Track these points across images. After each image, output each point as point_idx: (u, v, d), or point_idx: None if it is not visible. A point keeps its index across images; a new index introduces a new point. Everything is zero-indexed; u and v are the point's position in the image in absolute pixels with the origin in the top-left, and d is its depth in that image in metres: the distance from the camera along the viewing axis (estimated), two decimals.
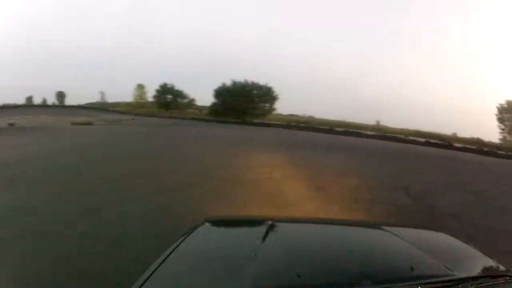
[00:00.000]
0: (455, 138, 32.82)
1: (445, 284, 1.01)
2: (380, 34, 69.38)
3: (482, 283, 1.04)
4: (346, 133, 27.28)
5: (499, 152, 29.15)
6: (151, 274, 0.99)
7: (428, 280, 1.01)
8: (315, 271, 1.07)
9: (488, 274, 1.20)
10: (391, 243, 1.38)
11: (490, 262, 1.31)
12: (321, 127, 29.47)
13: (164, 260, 1.07)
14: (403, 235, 1.41)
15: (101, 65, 57.63)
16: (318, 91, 59.66)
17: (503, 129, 35.47)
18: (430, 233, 1.76)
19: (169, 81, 41.04)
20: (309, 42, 68.52)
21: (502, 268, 1.24)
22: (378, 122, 38.82)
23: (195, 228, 1.36)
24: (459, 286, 0.99)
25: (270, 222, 1.44)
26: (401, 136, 28.85)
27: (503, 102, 35.58)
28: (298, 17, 68.25)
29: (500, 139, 34.85)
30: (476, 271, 1.22)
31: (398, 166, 11.02)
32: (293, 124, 30.88)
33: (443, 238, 1.62)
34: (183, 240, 1.24)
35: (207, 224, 1.47)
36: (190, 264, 1.12)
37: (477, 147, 28.04)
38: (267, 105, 36.14)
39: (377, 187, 7.01)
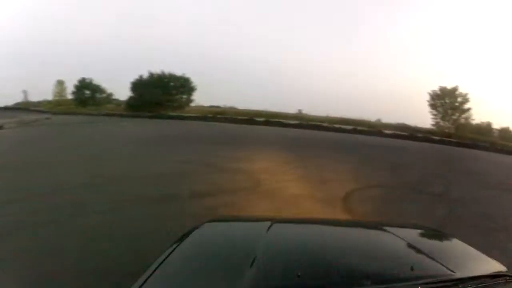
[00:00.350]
0: (380, 124, 33.28)
1: (445, 284, 1.01)
2: (302, 22, 66.31)
3: (482, 283, 1.05)
4: (265, 123, 26.70)
5: (434, 137, 29.98)
6: (151, 274, 0.99)
7: (428, 280, 1.00)
8: (315, 271, 1.07)
9: (488, 274, 1.16)
10: (391, 243, 1.39)
11: (490, 262, 1.30)
12: (239, 117, 28.32)
13: (164, 260, 1.08)
14: (403, 235, 1.41)
15: (23, 62, 50.96)
16: (242, 81, 57.62)
17: (435, 115, 35.55)
18: (430, 233, 1.77)
19: (94, 74, 37.82)
20: (233, 32, 65.65)
21: (502, 268, 1.24)
22: (300, 110, 38.01)
23: (195, 228, 1.37)
24: (459, 286, 1.00)
25: (270, 222, 1.44)
26: (324, 124, 28.56)
27: (435, 88, 35.76)
28: (219, 6, 65.15)
29: (433, 125, 35.41)
30: (476, 271, 1.18)
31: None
32: (209, 116, 29.33)
33: (443, 238, 1.66)
34: (183, 240, 1.25)
35: (207, 224, 1.49)
36: (190, 264, 1.13)
37: (409, 133, 28.92)
38: (184, 96, 34.12)
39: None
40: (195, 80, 33.84)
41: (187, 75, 33.44)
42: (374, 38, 60.67)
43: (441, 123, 34.92)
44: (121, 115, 29.55)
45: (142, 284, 0.94)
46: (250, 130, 21.20)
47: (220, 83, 51.13)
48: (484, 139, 32.03)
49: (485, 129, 35.04)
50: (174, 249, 1.16)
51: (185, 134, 16.21)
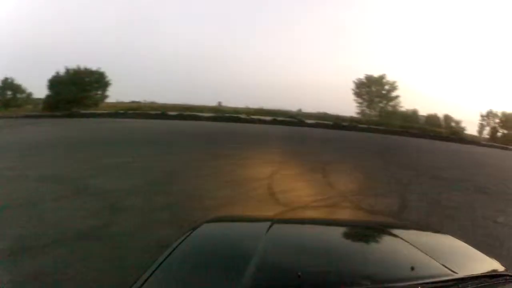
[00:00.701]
0: (300, 114, 33.35)
1: (445, 284, 1.01)
2: (222, 13, 65.13)
3: (482, 283, 1.05)
4: (179, 117, 26.44)
5: (360, 125, 30.88)
6: (151, 274, 0.99)
7: (428, 280, 1.00)
8: (315, 271, 1.07)
9: (488, 274, 1.17)
10: (391, 243, 1.40)
11: (490, 262, 1.30)
12: (153, 112, 27.64)
13: (164, 260, 1.08)
14: (403, 235, 1.41)
15: None
16: (163, 75, 56.49)
17: (360, 103, 36.53)
18: (430, 233, 1.78)
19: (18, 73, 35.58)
20: (153, 25, 63.41)
21: (502, 268, 1.24)
22: (220, 103, 37.81)
23: (195, 228, 1.37)
24: (459, 286, 1.00)
25: (270, 222, 1.44)
26: (243, 116, 28.37)
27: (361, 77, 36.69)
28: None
29: (358, 113, 36.38)
30: (476, 271, 1.17)
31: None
32: (121, 112, 28.24)
33: (443, 238, 1.64)
34: (183, 240, 1.24)
35: (207, 224, 1.49)
36: (190, 264, 1.13)
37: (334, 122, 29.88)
38: (99, 92, 32.34)
39: None
40: (115, 74, 32.75)
41: (109, 69, 32.56)
42: (297, 28, 61.00)
43: (367, 111, 35.84)
44: (38, 116, 26.64)
45: (142, 284, 0.94)
46: (149, 125, 20.31)
47: (144, 77, 49.81)
48: (410, 125, 32.88)
49: (412, 116, 35.96)
50: (174, 249, 1.16)
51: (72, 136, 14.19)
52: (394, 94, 35.44)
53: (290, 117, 29.32)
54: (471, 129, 38.83)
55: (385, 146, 17.34)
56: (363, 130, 28.16)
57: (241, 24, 63.89)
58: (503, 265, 1.26)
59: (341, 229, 1.71)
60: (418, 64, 61.34)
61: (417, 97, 57.51)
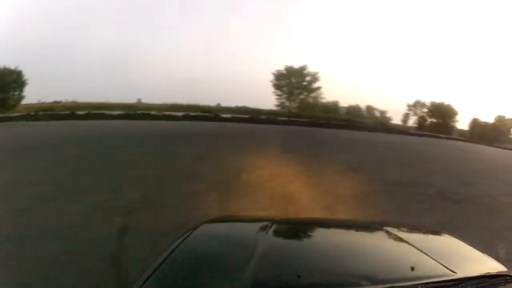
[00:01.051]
0: (218, 108, 32.58)
1: (445, 284, 1.01)
2: (139, 8, 59.03)
3: (482, 283, 1.04)
4: (85, 117, 24.91)
5: (280, 118, 29.96)
6: (151, 274, 0.99)
7: (428, 280, 1.00)
8: (315, 271, 1.07)
9: (488, 274, 1.15)
10: (391, 243, 1.40)
11: (490, 262, 1.29)
12: (62, 113, 26.42)
13: (164, 260, 1.08)
14: (403, 235, 1.42)
15: None
16: (87, 74, 53.52)
17: (280, 95, 35.47)
18: (430, 233, 1.76)
19: None
20: (76, 22, 59.48)
21: (502, 268, 1.23)
22: (139, 100, 35.90)
23: (195, 228, 1.37)
24: (459, 286, 1.00)
25: (270, 222, 1.43)
26: (154, 112, 27.25)
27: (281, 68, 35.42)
28: None
29: (277, 106, 35.39)
30: (476, 271, 1.17)
31: None
32: (32, 114, 26.21)
33: (443, 238, 1.63)
34: (183, 240, 1.24)
35: (207, 224, 1.49)
36: (190, 264, 1.12)
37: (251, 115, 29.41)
38: (16, 93, 30.63)
39: None
40: (35, 75, 30.53)
41: (31, 69, 30.37)
42: (218, 21, 58.24)
43: (287, 103, 34.81)
44: None
45: (142, 284, 0.94)
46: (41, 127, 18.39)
47: (68, 77, 46.61)
48: (332, 116, 33.95)
49: (333, 107, 36.44)
50: (174, 249, 1.16)
51: None
52: (315, 85, 34.56)
53: (204, 112, 28.18)
54: (398, 119, 38.95)
55: (303, 139, 16.68)
56: (282, 123, 27.41)
57: (162, 19, 60.49)
58: (503, 265, 1.25)
59: (341, 229, 1.72)
60: (344, 55, 60.78)
61: (341, 88, 57.45)
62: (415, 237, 1.53)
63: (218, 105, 34.09)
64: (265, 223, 1.45)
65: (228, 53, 59.22)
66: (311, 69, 35.11)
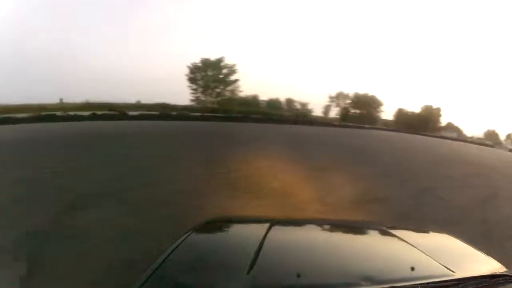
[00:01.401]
0: (138, 105, 30.11)
1: (445, 284, 1.01)
2: (63, 11, 54.38)
3: (482, 283, 1.05)
4: None
5: (193, 114, 28.03)
6: (151, 274, 0.99)
7: (428, 280, 1.00)
8: (315, 271, 1.07)
9: (488, 274, 1.17)
10: (391, 243, 1.40)
11: (490, 262, 1.30)
12: None
13: (164, 260, 1.08)
14: (403, 235, 1.42)
15: None
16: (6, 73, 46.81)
17: (195, 89, 33.56)
18: (430, 233, 1.77)
19: None
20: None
21: (502, 268, 1.24)
22: (61, 100, 32.08)
23: (195, 228, 1.37)
24: (459, 286, 1.00)
25: (270, 222, 1.43)
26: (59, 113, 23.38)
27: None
28: None
29: (192, 100, 33.42)
30: (476, 271, 1.18)
31: None
32: None
33: (443, 238, 1.63)
34: (183, 240, 1.24)
35: (207, 224, 1.49)
36: (190, 264, 1.12)
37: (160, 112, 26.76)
38: None
39: None
40: None
41: None
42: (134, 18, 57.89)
43: (202, 97, 33.12)
44: None
45: (142, 284, 0.94)
46: None
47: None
48: (251, 110, 32.14)
49: (252, 101, 35.53)
50: (174, 249, 1.16)
51: None
52: (233, 78, 33.19)
53: (111, 110, 25.66)
54: (319, 111, 39.22)
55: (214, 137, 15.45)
56: (195, 118, 25.65)
57: (76, 17, 56.03)
58: (503, 265, 1.25)
59: (341, 229, 1.72)
60: (263, 48, 61.50)
61: (261, 82, 58.48)
62: (415, 237, 1.49)
63: (138, 101, 31.14)
64: (265, 223, 1.44)
65: (148, 48, 56.84)
66: (228, 61, 33.39)
